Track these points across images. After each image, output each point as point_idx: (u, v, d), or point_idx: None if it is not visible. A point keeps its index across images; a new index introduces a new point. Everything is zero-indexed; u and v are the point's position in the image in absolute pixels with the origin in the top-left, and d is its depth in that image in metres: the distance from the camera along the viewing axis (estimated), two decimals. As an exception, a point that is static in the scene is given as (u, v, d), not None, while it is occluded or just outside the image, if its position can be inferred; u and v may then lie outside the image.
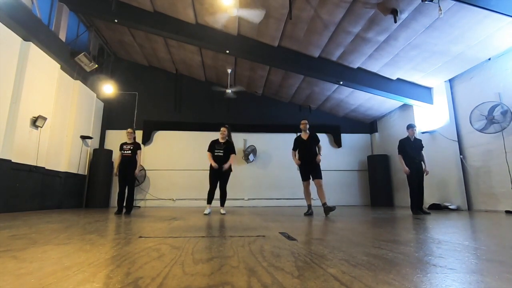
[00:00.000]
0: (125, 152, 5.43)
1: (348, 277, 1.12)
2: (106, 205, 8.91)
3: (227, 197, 5.42)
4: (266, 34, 7.20)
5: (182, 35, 7.44)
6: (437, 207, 6.95)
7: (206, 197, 5.23)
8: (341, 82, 7.82)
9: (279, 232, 2.54)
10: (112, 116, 10.00)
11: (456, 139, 7.06)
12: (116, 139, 9.27)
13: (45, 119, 6.37)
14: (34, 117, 6.17)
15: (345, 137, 10.65)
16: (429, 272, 1.22)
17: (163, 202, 9.65)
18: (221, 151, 5.28)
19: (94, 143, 9.21)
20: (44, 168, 6.57)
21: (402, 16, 5.56)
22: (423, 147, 5.67)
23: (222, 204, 5.35)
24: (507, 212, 5.50)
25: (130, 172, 5.40)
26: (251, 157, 10.07)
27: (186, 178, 9.73)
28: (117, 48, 10.05)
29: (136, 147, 5.52)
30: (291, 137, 10.37)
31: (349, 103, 9.74)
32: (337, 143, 10.55)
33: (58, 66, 7.08)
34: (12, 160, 5.64)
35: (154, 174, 9.75)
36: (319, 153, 4.99)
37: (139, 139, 9.25)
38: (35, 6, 6.43)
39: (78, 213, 5.51)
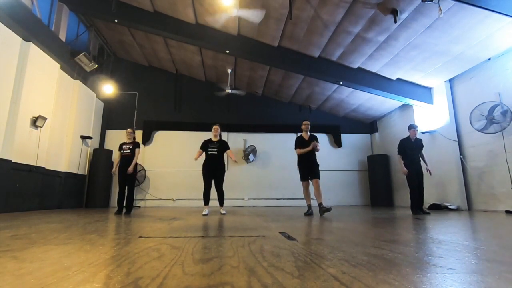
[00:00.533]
0: (125, 152, 5.43)
1: (348, 277, 1.12)
2: (106, 205, 8.92)
3: (225, 196, 5.34)
4: (266, 34, 7.20)
5: (182, 35, 7.44)
6: (437, 207, 6.95)
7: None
8: (341, 82, 7.82)
9: (279, 232, 2.54)
10: (112, 116, 10.00)
11: (456, 139, 7.06)
12: (116, 139, 9.27)
13: (45, 119, 6.37)
14: (34, 117, 6.17)
15: (345, 137, 10.65)
16: (429, 272, 1.22)
17: (163, 202, 9.65)
18: (215, 150, 5.17)
19: (94, 143, 9.21)
20: (44, 168, 6.57)
21: (402, 16, 5.56)
22: (423, 146, 5.67)
23: (221, 204, 5.29)
24: (507, 212, 5.50)
25: (129, 172, 5.40)
26: (251, 157, 10.07)
27: (186, 178, 9.72)
28: (117, 48, 10.05)
29: (135, 146, 5.52)
30: (291, 137, 10.40)
31: (349, 103, 9.74)
32: (337, 143, 10.55)
33: (58, 66, 7.08)
34: (12, 160, 5.64)
35: (154, 174, 9.75)
36: (316, 147, 5.07)
37: (139, 139, 9.25)
38: (35, 6, 6.43)
39: (78, 213, 5.51)
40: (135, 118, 9.99)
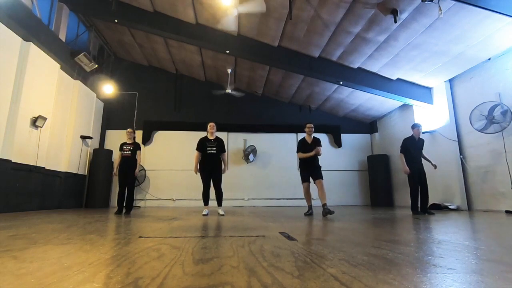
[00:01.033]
0: (125, 152, 5.42)
1: (348, 277, 1.12)
2: (106, 205, 8.91)
3: (225, 196, 5.19)
4: (266, 34, 7.20)
5: (182, 35, 7.44)
6: (437, 207, 6.95)
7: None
8: (341, 82, 7.82)
9: (279, 232, 2.54)
10: (112, 116, 10.00)
11: (456, 139, 7.06)
12: (116, 139, 9.27)
13: (45, 119, 6.37)
14: (34, 117, 6.17)
15: (345, 137, 10.65)
16: (429, 272, 1.22)
17: (163, 202, 9.65)
18: (214, 148, 5.04)
19: (94, 143, 9.21)
20: (44, 168, 6.57)
21: (402, 16, 5.56)
22: (423, 145, 5.61)
23: (219, 203, 5.10)
24: (507, 212, 5.50)
25: (130, 173, 5.40)
26: (251, 157, 10.07)
27: (186, 178, 9.71)
28: (117, 48, 10.05)
29: (136, 147, 5.52)
30: (291, 137, 10.55)
31: (349, 103, 9.74)
32: (337, 143, 10.55)
33: (58, 66, 7.08)
34: (12, 160, 5.64)
35: (154, 174, 9.75)
36: (319, 152, 5.00)
37: (139, 139, 9.25)
38: (35, 6, 6.44)
39: (78, 213, 5.51)
40: (135, 118, 9.99)
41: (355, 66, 7.57)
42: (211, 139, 5.13)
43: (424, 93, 7.90)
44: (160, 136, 10.15)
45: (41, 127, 6.36)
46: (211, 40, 7.50)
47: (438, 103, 7.63)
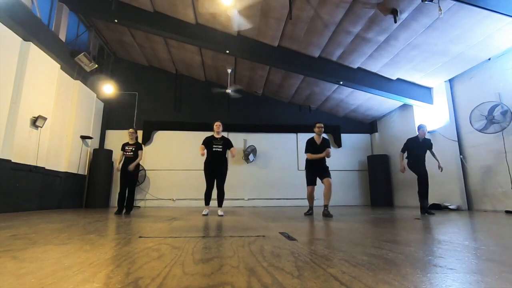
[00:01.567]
0: (127, 153, 5.40)
1: (348, 277, 1.12)
2: (106, 205, 8.92)
3: (226, 197, 5.09)
4: (266, 34, 7.20)
5: (182, 35, 7.44)
6: (437, 207, 6.95)
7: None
8: (341, 82, 7.82)
9: (279, 232, 2.54)
10: (112, 116, 10.00)
11: (456, 139, 7.06)
12: (116, 139, 9.28)
13: (45, 119, 6.37)
14: (34, 117, 6.17)
15: (345, 137, 10.65)
16: (429, 272, 1.22)
17: (163, 202, 9.65)
18: (220, 147, 4.99)
19: (94, 143, 9.21)
20: (44, 168, 6.57)
21: (402, 16, 5.56)
22: (432, 145, 5.56)
23: (220, 204, 5.03)
24: (507, 212, 5.50)
25: (132, 173, 5.39)
26: (251, 157, 10.07)
27: (186, 178, 9.73)
28: (117, 48, 10.05)
29: (138, 147, 5.51)
30: (291, 137, 10.55)
31: (349, 103, 9.74)
32: (337, 143, 10.55)
33: (58, 66, 7.08)
34: (12, 160, 5.63)
35: (154, 174, 9.75)
36: (329, 154, 4.83)
37: (139, 139, 9.24)
38: (35, 6, 6.43)
39: (78, 213, 5.51)
40: (135, 118, 9.99)
41: (355, 66, 7.57)
42: (217, 138, 5.08)
43: (424, 93, 7.90)
44: (160, 136, 10.15)
45: (41, 127, 6.35)
46: (211, 40, 7.50)
47: (438, 103, 7.63)
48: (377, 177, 9.78)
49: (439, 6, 4.85)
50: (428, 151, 5.53)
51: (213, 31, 7.43)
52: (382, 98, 8.55)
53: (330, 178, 4.73)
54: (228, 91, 9.23)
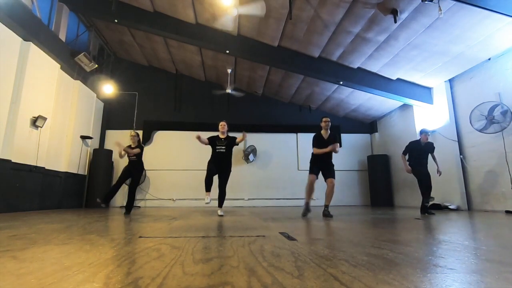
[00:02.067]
0: (131, 156, 5.38)
1: (348, 277, 1.12)
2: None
3: (226, 197, 5.03)
4: (266, 34, 7.20)
5: (182, 35, 7.44)
6: (437, 207, 6.94)
7: (205, 197, 4.86)
8: (341, 82, 7.82)
9: (279, 232, 2.54)
10: (112, 116, 10.00)
11: (456, 139, 7.06)
12: (116, 139, 9.23)
13: (45, 119, 6.37)
14: (34, 117, 6.17)
15: (345, 137, 10.65)
16: (429, 272, 1.22)
17: (163, 202, 9.65)
18: (223, 148, 4.90)
19: (94, 143, 9.21)
20: (44, 168, 6.57)
21: (402, 16, 5.56)
22: (434, 148, 5.55)
23: (220, 204, 4.97)
24: (507, 212, 5.50)
25: (134, 176, 5.37)
26: (251, 157, 10.07)
27: (186, 178, 9.73)
28: (117, 48, 10.05)
29: (140, 150, 5.48)
30: (291, 137, 10.55)
31: (349, 103, 9.74)
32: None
33: (58, 66, 7.08)
34: (12, 160, 5.64)
35: (154, 174, 9.75)
36: (336, 149, 4.68)
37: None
38: (35, 6, 6.43)
39: (78, 213, 5.51)
40: (135, 118, 9.99)
41: (355, 66, 7.57)
42: (222, 138, 4.99)
43: (424, 93, 7.90)
44: (160, 136, 10.15)
45: (41, 127, 6.36)
46: (211, 40, 7.50)
47: (438, 103, 7.63)
48: (377, 177, 9.78)
49: (439, 6, 4.85)
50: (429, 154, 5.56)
51: (213, 31, 7.43)
52: (382, 98, 8.55)
53: (334, 178, 4.61)
54: (228, 91, 9.23)
